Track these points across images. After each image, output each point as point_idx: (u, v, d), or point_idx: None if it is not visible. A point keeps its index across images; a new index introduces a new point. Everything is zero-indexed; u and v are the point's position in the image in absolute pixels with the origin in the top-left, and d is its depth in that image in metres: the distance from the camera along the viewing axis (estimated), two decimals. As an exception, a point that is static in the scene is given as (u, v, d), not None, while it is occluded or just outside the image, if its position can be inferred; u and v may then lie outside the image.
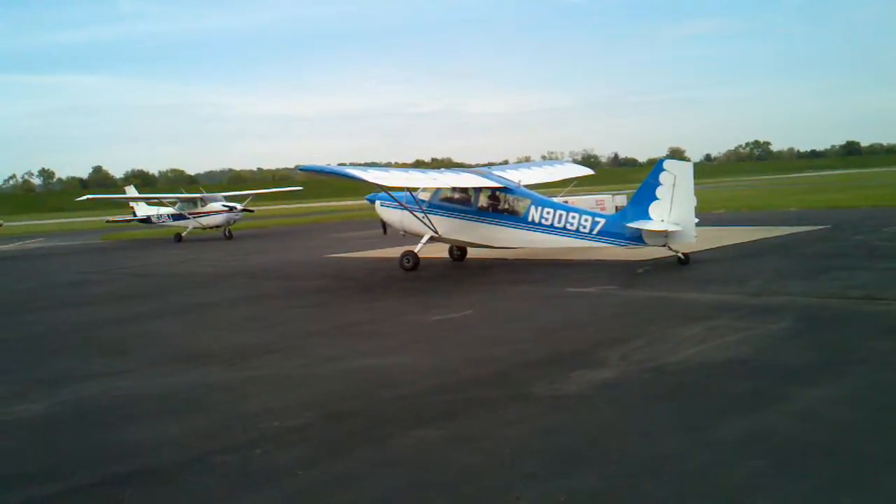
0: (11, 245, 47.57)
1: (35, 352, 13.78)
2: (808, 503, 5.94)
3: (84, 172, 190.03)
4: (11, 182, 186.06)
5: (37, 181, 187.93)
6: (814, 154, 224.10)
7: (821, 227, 28.06)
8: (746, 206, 43.65)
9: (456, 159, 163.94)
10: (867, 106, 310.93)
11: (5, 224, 53.79)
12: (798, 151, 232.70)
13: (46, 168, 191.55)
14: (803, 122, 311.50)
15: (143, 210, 46.33)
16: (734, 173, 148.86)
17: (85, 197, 49.02)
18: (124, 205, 51.10)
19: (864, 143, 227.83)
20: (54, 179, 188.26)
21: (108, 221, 52.29)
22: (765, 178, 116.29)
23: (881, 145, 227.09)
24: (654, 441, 7.37)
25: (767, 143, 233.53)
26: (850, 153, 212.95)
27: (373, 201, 24.13)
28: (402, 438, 7.80)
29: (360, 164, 22.57)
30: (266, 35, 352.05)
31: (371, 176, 19.62)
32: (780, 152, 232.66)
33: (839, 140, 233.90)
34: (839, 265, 18.24)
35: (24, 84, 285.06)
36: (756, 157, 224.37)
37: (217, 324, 15.56)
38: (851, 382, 8.98)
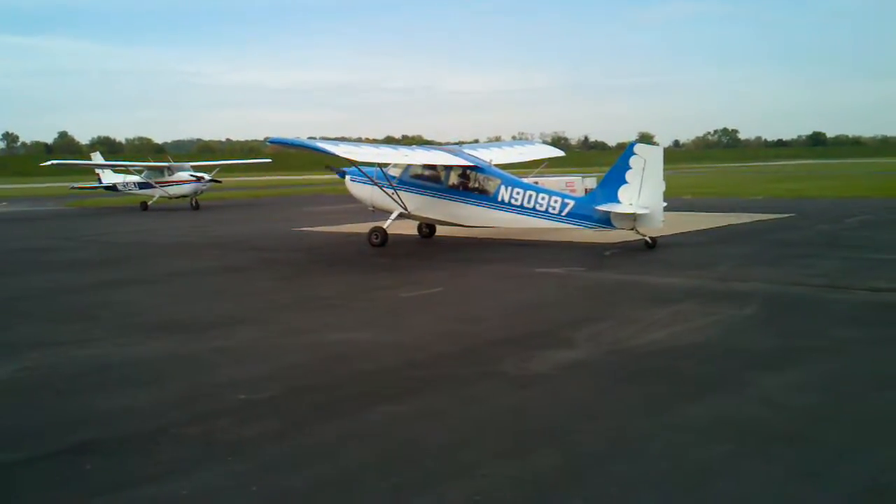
0: (-27, 209, 46.73)
1: (-2, 317, 13.61)
2: (770, 487, 6.04)
3: (49, 137, 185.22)
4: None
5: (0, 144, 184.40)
6: (780, 143, 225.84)
7: (786, 215, 28.43)
8: (713, 193, 44.05)
9: (426, 137, 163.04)
10: (834, 98, 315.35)
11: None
12: (765, 140, 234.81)
13: (10, 132, 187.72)
14: (771, 112, 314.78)
15: (109, 177, 45.61)
16: (702, 160, 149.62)
17: (50, 162, 47.87)
18: (90, 171, 50.35)
19: (830, 134, 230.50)
20: (18, 143, 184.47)
21: (72, 188, 51.48)
22: (732, 166, 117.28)
23: (846, 136, 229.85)
24: (619, 422, 7.45)
25: (735, 131, 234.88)
26: (816, 144, 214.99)
27: (343, 176, 24.00)
28: (370, 413, 7.81)
29: (330, 139, 22.38)
30: (239, 4, 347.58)
31: (341, 150, 19.52)
32: (747, 140, 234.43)
33: (806, 130, 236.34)
34: (803, 253, 18.50)
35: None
36: (724, 145, 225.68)
37: (184, 294, 15.43)
38: (814, 369, 9.14)
